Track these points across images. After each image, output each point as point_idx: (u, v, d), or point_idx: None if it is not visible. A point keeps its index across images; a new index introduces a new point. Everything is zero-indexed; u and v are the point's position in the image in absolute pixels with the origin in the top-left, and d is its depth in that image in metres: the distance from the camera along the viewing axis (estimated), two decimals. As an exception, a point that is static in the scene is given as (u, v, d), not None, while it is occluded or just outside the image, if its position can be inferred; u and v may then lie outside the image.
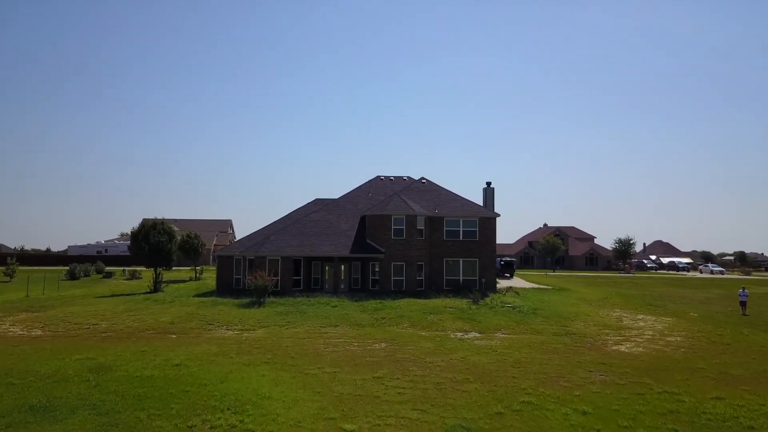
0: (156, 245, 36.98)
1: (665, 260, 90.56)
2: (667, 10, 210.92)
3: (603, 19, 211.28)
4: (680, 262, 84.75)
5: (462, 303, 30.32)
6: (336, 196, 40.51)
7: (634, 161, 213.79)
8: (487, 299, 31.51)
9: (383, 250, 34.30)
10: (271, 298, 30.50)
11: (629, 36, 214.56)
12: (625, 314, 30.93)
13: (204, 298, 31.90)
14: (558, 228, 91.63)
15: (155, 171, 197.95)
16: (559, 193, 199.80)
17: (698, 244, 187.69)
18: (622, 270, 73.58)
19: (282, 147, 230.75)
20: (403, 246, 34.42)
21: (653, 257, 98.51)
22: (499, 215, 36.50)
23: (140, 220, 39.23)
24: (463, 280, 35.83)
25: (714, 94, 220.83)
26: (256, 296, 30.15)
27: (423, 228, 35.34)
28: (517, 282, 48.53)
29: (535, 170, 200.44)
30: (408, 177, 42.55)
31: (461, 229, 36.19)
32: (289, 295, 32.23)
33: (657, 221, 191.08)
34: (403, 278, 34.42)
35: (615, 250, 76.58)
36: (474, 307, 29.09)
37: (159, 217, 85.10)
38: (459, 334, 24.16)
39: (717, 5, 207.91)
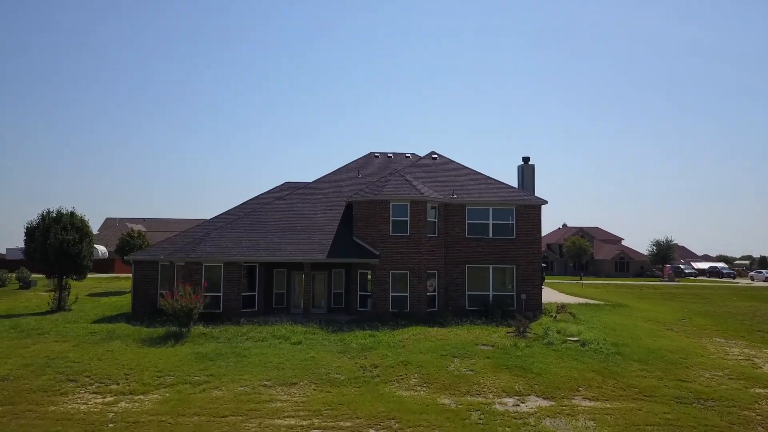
0: (59, 246, 26.07)
1: (703, 265, 79.52)
2: (710, 12, 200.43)
3: (636, 14, 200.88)
4: (724, 268, 73.80)
5: (500, 335, 19.45)
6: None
7: (638, 162, 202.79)
8: (536, 326, 20.65)
9: (378, 253, 23.37)
10: (201, 327, 19.59)
11: (650, 34, 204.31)
12: (747, 350, 20.20)
13: (103, 325, 20.97)
14: (581, 228, 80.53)
15: (129, 166, 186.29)
16: (573, 191, 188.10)
17: (704, 247, 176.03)
18: (662, 277, 62.63)
19: (260, 132, 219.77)
20: (407, 246, 23.47)
21: (683, 261, 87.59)
22: (546, 202, 25.38)
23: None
24: (493, 296, 24.72)
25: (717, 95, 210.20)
26: (178, 324, 19.34)
27: (436, 220, 24.38)
28: (551, 294, 37.63)
29: (546, 167, 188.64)
30: (412, 154, 31.52)
31: (491, 222, 25.07)
32: (233, 320, 21.28)
33: (660, 223, 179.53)
34: (407, 294, 23.46)
35: (653, 254, 65.58)
36: (521, 342, 18.19)
37: (129, 216, 74.45)
38: (510, 403, 13.60)
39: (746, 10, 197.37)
